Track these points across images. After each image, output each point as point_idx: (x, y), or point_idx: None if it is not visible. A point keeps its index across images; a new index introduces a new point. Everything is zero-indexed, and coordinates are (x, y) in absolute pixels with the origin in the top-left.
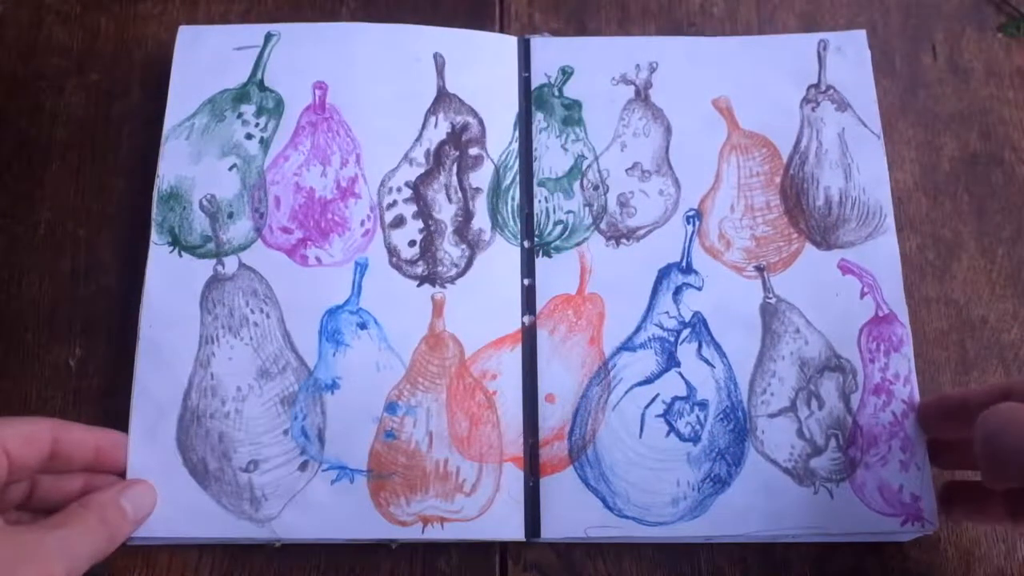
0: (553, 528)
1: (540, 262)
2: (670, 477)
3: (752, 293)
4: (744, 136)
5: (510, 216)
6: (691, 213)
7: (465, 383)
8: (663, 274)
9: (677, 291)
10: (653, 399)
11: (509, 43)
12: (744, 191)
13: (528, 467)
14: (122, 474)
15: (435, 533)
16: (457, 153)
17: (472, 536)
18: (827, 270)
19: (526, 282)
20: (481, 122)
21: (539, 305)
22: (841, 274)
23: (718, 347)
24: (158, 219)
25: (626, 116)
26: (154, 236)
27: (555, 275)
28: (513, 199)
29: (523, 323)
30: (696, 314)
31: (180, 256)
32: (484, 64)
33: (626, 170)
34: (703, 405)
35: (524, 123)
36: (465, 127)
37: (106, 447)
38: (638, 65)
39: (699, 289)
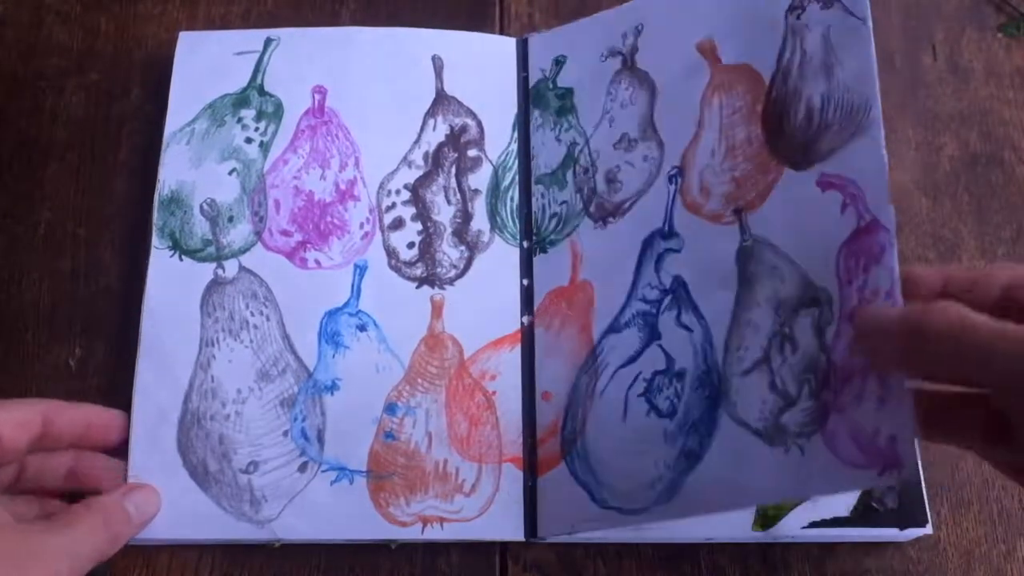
0: (546, 526)
1: (537, 259)
2: (649, 459)
3: (730, 240)
4: (726, 72)
5: (509, 217)
6: (673, 172)
7: (464, 384)
8: (647, 244)
9: (659, 259)
10: (635, 378)
11: (508, 44)
12: (726, 131)
13: (527, 467)
14: (112, 451)
15: (435, 533)
16: (456, 155)
17: (472, 536)
18: (806, 191)
19: (525, 282)
20: (480, 124)
21: (537, 303)
22: (821, 191)
23: (696, 309)
24: (159, 223)
25: (613, 89)
26: (155, 240)
27: (551, 269)
28: (512, 200)
29: (522, 323)
30: (676, 279)
31: (181, 260)
32: (482, 66)
33: (613, 145)
34: (681, 375)
35: (522, 123)
36: (464, 129)
37: (97, 424)
38: (624, 33)
39: (679, 252)
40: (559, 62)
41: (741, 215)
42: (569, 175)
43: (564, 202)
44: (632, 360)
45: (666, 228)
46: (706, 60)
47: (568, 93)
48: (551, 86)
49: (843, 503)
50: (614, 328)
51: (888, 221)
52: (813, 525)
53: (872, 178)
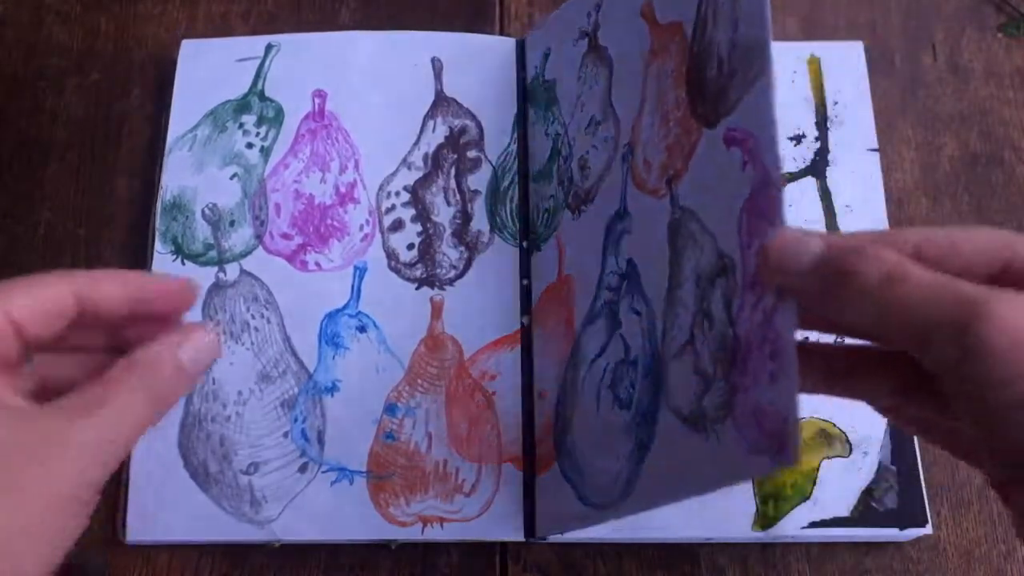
0: (543, 525)
1: (534, 258)
2: (614, 453)
3: (664, 215)
4: (661, 33)
5: (509, 217)
6: (625, 149)
7: (464, 384)
8: (609, 229)
9: (617, 242)
10: (604, 370)
11: (507, 44)
12: (660, 97)
13: (526, 466)
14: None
15: (435, 533)
16: (455, 156)
17: (472, 536)
18: (717, 151)
19: (524, 282)
20: (479, 125)
21: (534, 302)
22: (727, 148)
23: (643, 292)
24: (161, 228)
25: (582, 73)
26: (158, 245)
27: (544, 267)
28: (511, 200)
29: (522, 323)
30: (629, 261)
31: (183, 264)
32: (482, 67)
33: (584, 130)
34: (635, 363)
35: (521, 123)
36: (463, 130)
37: (144, 299)
38: (589, 12)
39: (630, 233)
40: (546, 55)
41: (671, 186)
42: (554, 168)
43: (551, 196)
44: (602, 351)
45: (622, 209)
46: (647, 24)
47: (552, 85)
48: (541, 81)
49: (843, 503)
50: (589, 320)
51: (777, 174)
52: (813, 525)
53: (765, 129)
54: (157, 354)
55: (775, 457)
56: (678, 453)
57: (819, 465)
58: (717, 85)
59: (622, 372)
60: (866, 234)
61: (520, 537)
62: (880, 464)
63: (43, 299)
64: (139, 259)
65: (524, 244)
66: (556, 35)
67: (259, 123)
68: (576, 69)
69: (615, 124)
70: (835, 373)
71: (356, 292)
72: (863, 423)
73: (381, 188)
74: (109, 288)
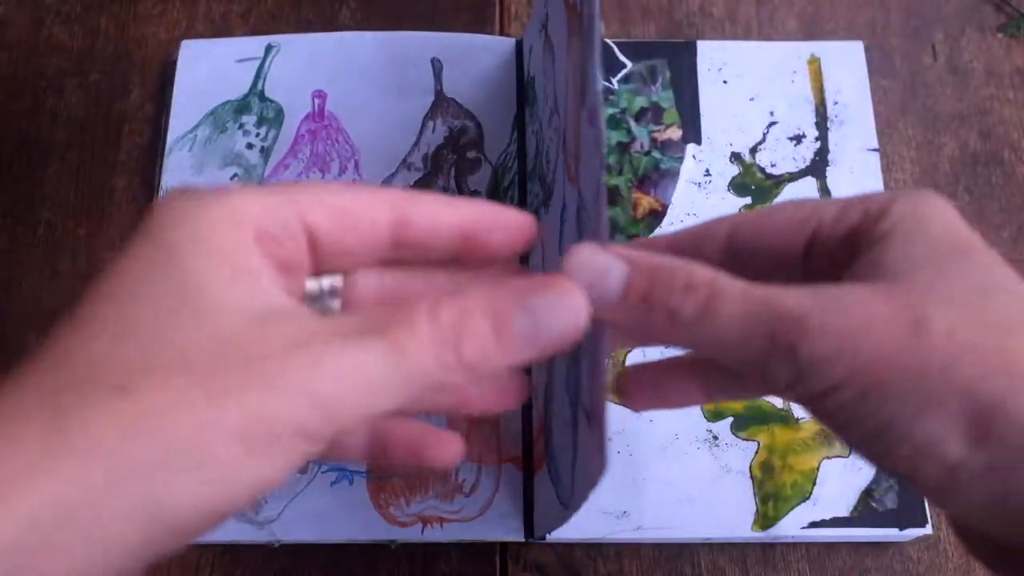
0: (540, 525)
1: (530, 258)
2: (565, 452)
3: (575, 203)
4: (572, 15)
5: None
6: (562, 139)
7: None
8: (561, 220)
9: (562, 235)
10: (566, 366)
11: (507, 44)
12: (573, 82)
13: (526, 467)
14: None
15: (435, 534)
16: (454, 157)
17: (471, 536)
18: (588, 129)
19: None
20: (479, 125)
21: None
22: (590, 126)
23: None
24: None
25: (545, 66)
26: None
27: (535, 265)
28: (511, 200)
29: None
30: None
31: None
32: (482, 67)
33: (547, 122)
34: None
35: (520, 123)
36: (463, 131)
37: (481, 230)
38: (545, 3)
39: (565, 223)
40: (531, 52)
41: (578, 172)
42: (537, 166)
43: (537, 194)
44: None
45: (564, 202)
46: (565, 6)
47: (533, 82)
48: (528, 79)
49: (844, 503)
50: None
51: (598, 155)
52: (813, 525)
53: (598, 103)
54: (478, 303)
55: (599, 462)
56: (584, 449)
57: (819, 465)
58: (581, 59)
59: (571, 368)
60: (683, 233)
61: (520, 537)
62: None
63: (349, 209)
64: None
65: None
66: (533, 31)
67: (259, 123)
68: (541, 63)
69: (559, 115)
70: (659, 391)
71: None
72: None
73: None
74: (436, 211)
